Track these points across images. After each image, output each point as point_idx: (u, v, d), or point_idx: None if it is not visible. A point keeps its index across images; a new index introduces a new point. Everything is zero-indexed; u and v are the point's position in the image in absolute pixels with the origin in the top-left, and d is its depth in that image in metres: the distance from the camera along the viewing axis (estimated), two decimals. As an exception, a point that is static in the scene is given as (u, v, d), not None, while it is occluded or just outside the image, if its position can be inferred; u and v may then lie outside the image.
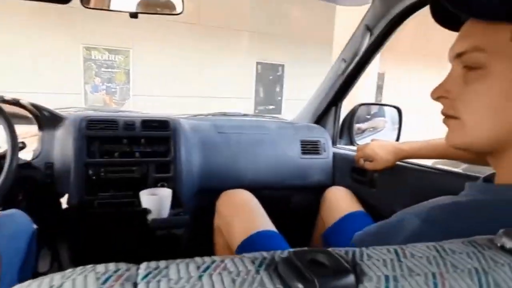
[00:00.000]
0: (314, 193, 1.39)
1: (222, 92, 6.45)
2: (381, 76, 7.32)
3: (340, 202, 1.22)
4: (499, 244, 0.30)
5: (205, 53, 6.16)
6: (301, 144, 1.45)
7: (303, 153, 1.44)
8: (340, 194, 1.26)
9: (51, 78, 4.97)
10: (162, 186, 1.22)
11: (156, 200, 1.12)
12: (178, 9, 1.17)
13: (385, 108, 1.74)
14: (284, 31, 6.74)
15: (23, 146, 1.09)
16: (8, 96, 1.13)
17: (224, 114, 1.66)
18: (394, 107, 1.55)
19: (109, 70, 5.38)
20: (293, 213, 1.49)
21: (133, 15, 1.11)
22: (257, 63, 6.95)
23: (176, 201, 1.19)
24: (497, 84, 0.43)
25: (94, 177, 1.16)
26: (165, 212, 1.14)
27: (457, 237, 0.34)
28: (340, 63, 1.36)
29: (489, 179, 0.52)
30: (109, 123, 1.20)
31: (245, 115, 1.72)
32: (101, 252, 1.17)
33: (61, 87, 5.02)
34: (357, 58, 1.29)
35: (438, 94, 0.50)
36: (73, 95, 5.09)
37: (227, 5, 6.18)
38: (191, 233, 1.30)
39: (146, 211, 1.11)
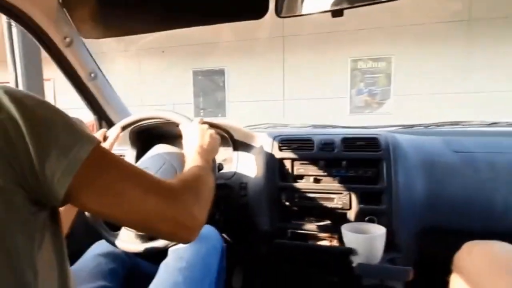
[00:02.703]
0: None
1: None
2: None
3: None
4: None
5: (478, 49, 5.82)
6: None
7: None
8: None
9: (324, 87, 6.31)
10: (370, 221, 0.92)
11: (365, 240, 0.85)
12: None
13: None
14: None
15: (220, 168, 1.06)
16: (206, 119, 1.14)
17: (456, 123, 1.20)
18: None
19: (372, 75, 6.39)
20: None
21: (337, 13, 0.87)
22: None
23: (390, 243, 0.88)
24: None
25: (287, 203, 0.99)
26: (377, 256, 0.85)
27: None
28: None
29: None
30: (303, 142, 1.02)
31: (493, 123, 1.19)
32: (288, 280, 1.05)
33: (334, 93, 6.29)
34: None
35: None
36: (340, 99, 6.31)
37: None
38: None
39: (351, 252, 0.85)
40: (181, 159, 0.86)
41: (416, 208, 0.93)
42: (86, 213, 0.90)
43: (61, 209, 0.46)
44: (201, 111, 6.69)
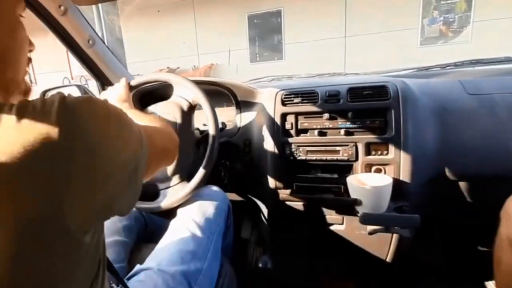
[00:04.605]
0: None
1: None
2: None
3: None
4: None
5: None
6: None
7: None
8: None
9: (391, 19, 5.67)
10: (378, 171, 0.90)
11: (370, 191, 0.84)
12: None
13: None
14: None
15: (224, 127, 1.07)
16: (209, 78, 1.12)
17: (478, 62, 1.12)
18: None
19: (449, 1, 5.66)
20: None
21: None
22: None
23: (398, 192, 0.87)
24: None
25: (291, 158, 0.99)
26: (382, 206, 0.84)
27: None
28: None
29: None
30: (307, 95, 0.98)
31: (499, 61, 1.11)
32: (295, 232, 1.10)
33: (402, 25, 5.64)
34: None
35: None
36: (409, 31, 5.66)
37: None
38: (420, 236, 0.94)
39: (356, 202, 0.85)
40: None
41: (427, 156, 0.90)
42: None
43: None
44: (257, 55, 6.46)
